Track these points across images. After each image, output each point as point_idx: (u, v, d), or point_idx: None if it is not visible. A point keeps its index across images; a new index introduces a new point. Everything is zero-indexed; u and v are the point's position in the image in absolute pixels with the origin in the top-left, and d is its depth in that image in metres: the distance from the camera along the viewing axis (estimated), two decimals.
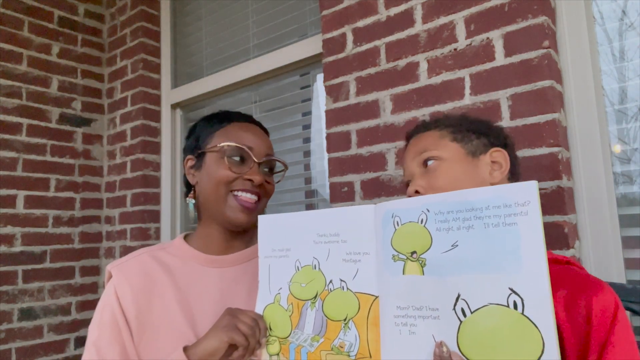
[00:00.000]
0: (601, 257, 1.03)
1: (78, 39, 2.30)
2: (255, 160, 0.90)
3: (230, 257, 0.92)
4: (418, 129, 0.85)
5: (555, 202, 1.01)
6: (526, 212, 0.54)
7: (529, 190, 0.55)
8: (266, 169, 0.94)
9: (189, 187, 0.96)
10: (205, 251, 0.92)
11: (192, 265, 0.91)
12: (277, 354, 0.78)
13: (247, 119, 0.97)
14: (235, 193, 0.88)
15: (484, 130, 0.80)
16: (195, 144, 0.95)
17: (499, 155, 0.77)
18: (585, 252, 1.05)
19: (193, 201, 0.95)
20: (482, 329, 0.56)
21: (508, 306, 0.54)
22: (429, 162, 0.76)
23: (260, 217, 0.86)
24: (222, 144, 0.89)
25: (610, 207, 1.04)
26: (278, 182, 0.98)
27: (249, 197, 0.89)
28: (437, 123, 0.83)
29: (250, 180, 0.88)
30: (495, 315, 0.55)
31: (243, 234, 0.95)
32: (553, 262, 0.69)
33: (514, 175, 0.80)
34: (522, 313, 0.53)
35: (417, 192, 0.75)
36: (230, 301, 0.85)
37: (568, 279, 0.66)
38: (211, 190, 0.89)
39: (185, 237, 0.97)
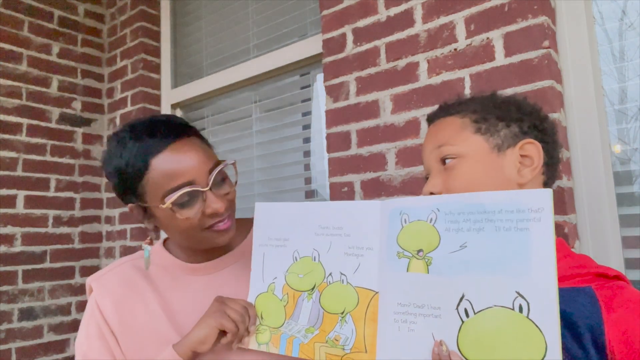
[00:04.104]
0: (601, 257, 1.03)
1: (78, 39, 2.30)
2: (203, 189, 0.78)
3: (211, 263, 0.90)
4: (439, 112, 0.77)
5: (556, 202, 1.01)
6: (539, 218, 0.55)
7: (543, 198, 0.55)
8: (219, 180, 0.82)
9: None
10: (185, 259, 0.90)
11: (174, 272, 0.90)
12: (267, 343, 0.77)
13: (167, 140, 0.78)
14: (209, 228, 0.81)
15: (515, 115, 0.70)
16: (126, 195, 0.82)
17: (530, 148, 0.68)
18: (585, 252, 1.05)
19: (149, 248, 0.88)
20: (485, 330, 0.56)
21: (513, 309, 0.54)
22: (447, 161, 0.69)
23: (258, 205, 0.83)
24: (164, 205, 0.76)
25: (610, 207, 1.04)
26: (236, 182, 0.87)
27: (221, 223, 0.82)
28: (459, 107, 0.73)
29: (213, 213, 0.79)
30: (500, 317, 0.55)
31: None
32: (601, 277, 0.63)
33: (550, 167, 0.71)
34: (527, 316, 0.53)
35: (432, 193, 0.71)
36: None
37: (622, 301, 0.59)
38: (182, 238, 0.83)
39: (166, 241, 0.95)
